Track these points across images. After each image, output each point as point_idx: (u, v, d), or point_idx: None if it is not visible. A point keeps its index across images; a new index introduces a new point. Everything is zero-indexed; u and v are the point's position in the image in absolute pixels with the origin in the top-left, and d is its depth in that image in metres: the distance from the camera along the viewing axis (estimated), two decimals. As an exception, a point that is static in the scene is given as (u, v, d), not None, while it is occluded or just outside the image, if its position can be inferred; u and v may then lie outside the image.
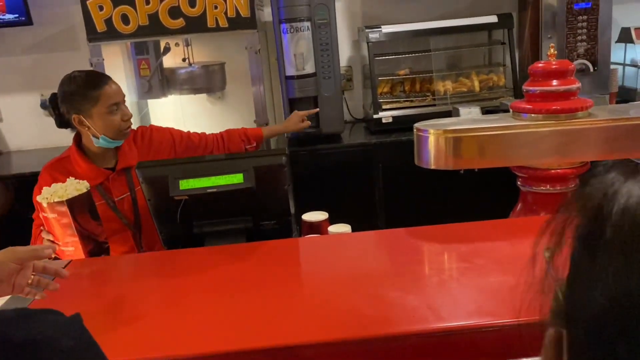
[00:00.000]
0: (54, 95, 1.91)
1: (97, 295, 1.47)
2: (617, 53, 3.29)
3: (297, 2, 2.95)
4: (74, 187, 1.61)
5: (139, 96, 3.18)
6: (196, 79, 3.20)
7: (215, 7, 2.84)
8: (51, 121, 2.04)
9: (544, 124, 1.65)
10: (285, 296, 1.36)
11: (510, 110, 1.81)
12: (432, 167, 1.74)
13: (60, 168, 1.90)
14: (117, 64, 3.16)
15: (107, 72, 2.88)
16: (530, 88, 1.72)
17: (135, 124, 3.19)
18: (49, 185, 1.71)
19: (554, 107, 1.66)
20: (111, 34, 2.83)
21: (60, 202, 1.56)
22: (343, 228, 1.77)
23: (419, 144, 1.76)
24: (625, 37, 3.26)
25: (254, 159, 1.68)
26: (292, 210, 1.75)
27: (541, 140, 1.64)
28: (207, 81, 3.22)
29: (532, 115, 1.70)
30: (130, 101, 3.24)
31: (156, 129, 2.13)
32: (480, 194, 2.53)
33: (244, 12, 2.85)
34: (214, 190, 1.62)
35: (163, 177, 1.61)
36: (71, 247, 1.58)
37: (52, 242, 1.62)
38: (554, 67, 1.69)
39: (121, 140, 1.93)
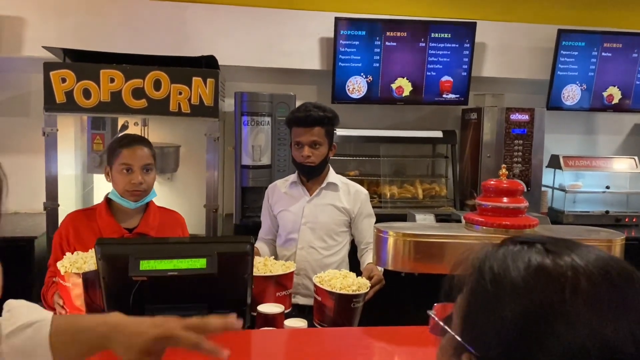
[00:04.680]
0: None
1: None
2: (547, 177, 3.59)
3: (260, 98, 3.08)
4: (94, 260, 1.61)
5: (88, 170, 3.12)
6: (149, 158, 3.19)
7: (180, 93, 2.91)
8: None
9: (494, 236, 1.76)
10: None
11: (463, 220, 1.92)
12: (390, 267, 1.79)
13: (83, 218, 2.06)
14: (69, 136, 3.12)
15: (59, 143, 2.85)
16: (483, 203, 1.84)
17: (77, 200, 3.12)
18: (68, 232, 1.99)
19: (504, 223, 1.78)
20: (70, 106, 2.81)
21: (77, 274, 1.62)
22: (299, 323, 1.76)
23: (378, 244, 1.82)
24: (555, 163, 3.58)
25: (219, 244, 1.66)
26: (248, 300, 1.73)
27: (492, 252, 1.75)
28: (161, 162, 3.21)
29: (484, 227, 1.81)
30: (76, 174, 3.17)
31: (182, 225, 2.23)
32: (427, 298, 2.59)
33: (208, 101, 2.93)
34: (175, 273, 1.58)
35: (124, 256, 1.56)
36: None
37: (62, 307, 1.70)
38: (504, 185, 1.83)
39: (129, 202, 2.04)
